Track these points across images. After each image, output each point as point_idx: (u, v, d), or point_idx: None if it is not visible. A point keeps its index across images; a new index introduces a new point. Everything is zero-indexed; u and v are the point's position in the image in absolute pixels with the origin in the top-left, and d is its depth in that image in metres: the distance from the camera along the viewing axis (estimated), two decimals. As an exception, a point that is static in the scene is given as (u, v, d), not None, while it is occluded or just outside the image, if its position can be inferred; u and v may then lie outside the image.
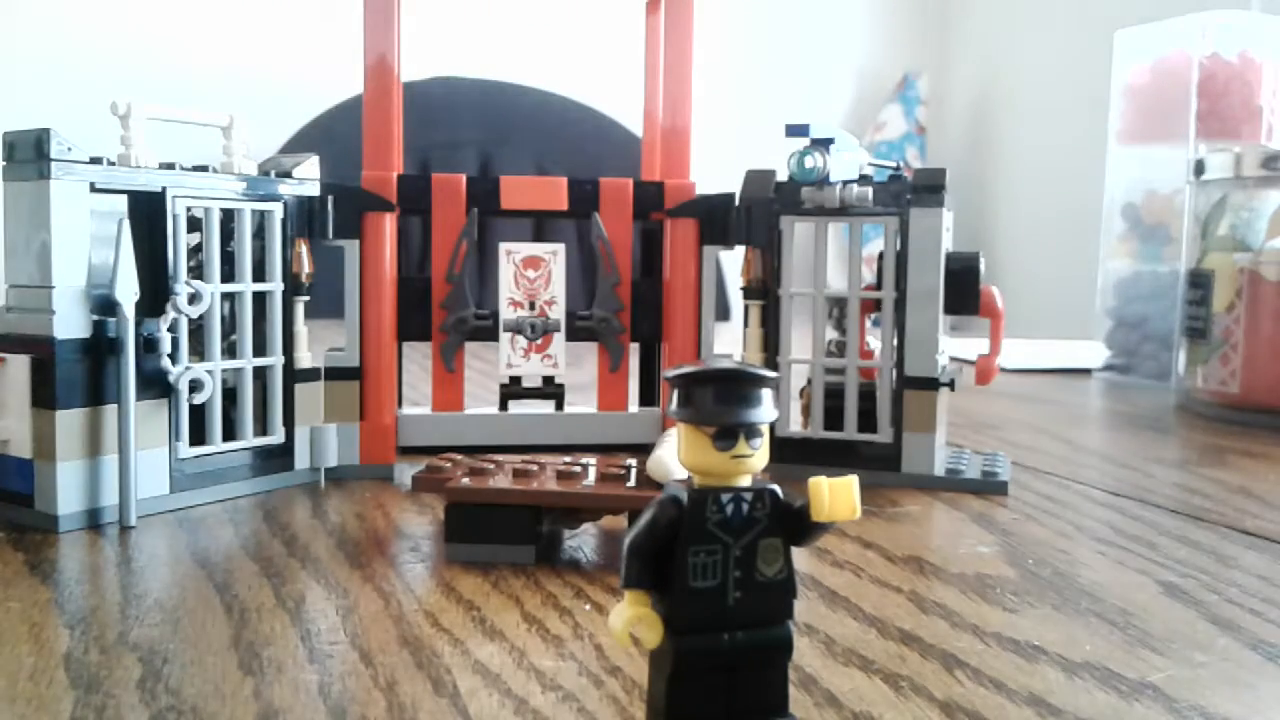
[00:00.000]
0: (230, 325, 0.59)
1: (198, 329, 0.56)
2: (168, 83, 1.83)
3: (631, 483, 0.48)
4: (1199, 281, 0.95)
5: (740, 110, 1.92)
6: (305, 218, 0.62)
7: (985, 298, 0.64)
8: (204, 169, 0.57)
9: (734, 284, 0.85)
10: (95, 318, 0.52)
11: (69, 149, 0.51)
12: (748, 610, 0.29)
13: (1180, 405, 0.99)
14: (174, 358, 0.55)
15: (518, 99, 1.93)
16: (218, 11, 1.95)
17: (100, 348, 0.52)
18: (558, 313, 0.69)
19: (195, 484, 0.57)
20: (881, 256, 0.63)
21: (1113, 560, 0.50)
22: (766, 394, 0.28)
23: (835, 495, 0.28)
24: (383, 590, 0.44)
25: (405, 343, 0.68)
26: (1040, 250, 2.06)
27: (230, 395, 0.59)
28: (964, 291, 0.63)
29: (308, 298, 0.62)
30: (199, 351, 0.57)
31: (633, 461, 0.51)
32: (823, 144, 0.64)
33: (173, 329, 0.55)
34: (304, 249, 0.62)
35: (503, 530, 0.47)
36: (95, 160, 0.52)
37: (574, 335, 0.70)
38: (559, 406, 0.71)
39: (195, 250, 0.57)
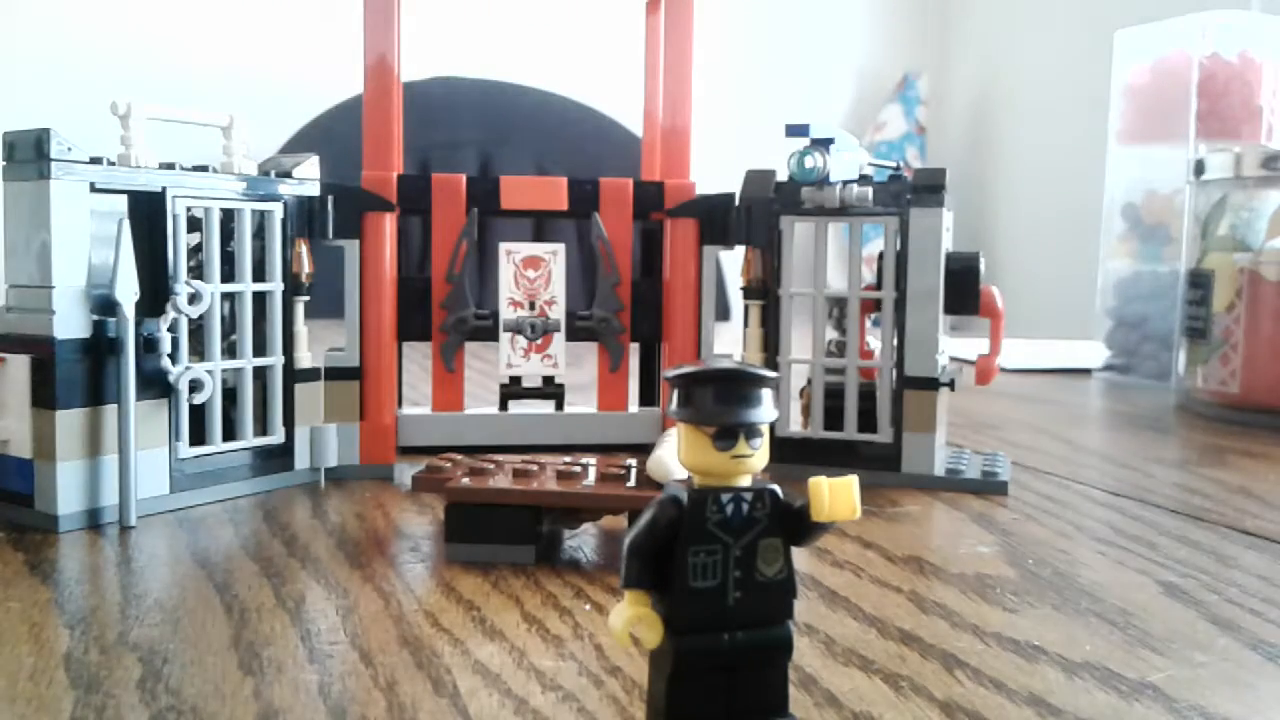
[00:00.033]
0: (230, 325, 0.59)
1: (198, 329, 0.56)
2: (168, 83, 1.83)
3: (631, 483, 0.48)
4: (1199, 281, 0.95)
5: (740, 110, 1.92)
6: (305, 218, 0.62)
7: (985, 298, 0.64)
8: (204, 169, 0.57)
9: (734, 284, 0.85)
10: (95, 318, 0.52)
11: (69, 149, 0.51)
12: (748, 610, 0.29)
13: (1180, 405, 0.99)
14: (174, 358, 0.55)
15: (518, 99, 1.93)
16: (218, 11, 1.95)
17: (100, 348, 0.52)
18: (558, 313, 0.69)
19: (195, 484, 0.57)
20: (881, 256, 0.63)
21: (1113, 560, 0.50)
22: (766, 394, 0.28)
23: (835, 495, 0.28)
24: (383, 590, 0.44)
25: (405, 343, 0.68)
26: (1040, 250, 2.06)
27: (230, 395, 0.59)
28: (964, 291, 0.63)
29: (308, 298, 0.62)
30: (199, 351, 0.57)
31: (633, 461, 0.51)
32: (823, 144, 0.64)
33: (173, 329, 0.55)
34: (304, 249, 0.62)
35: (503, 530, 0.47)
36: (95, 160, 0.52)
37: (574, 335, 0.70)
38: (559, 406, 0.71)
39: (195, 250, 0.57)
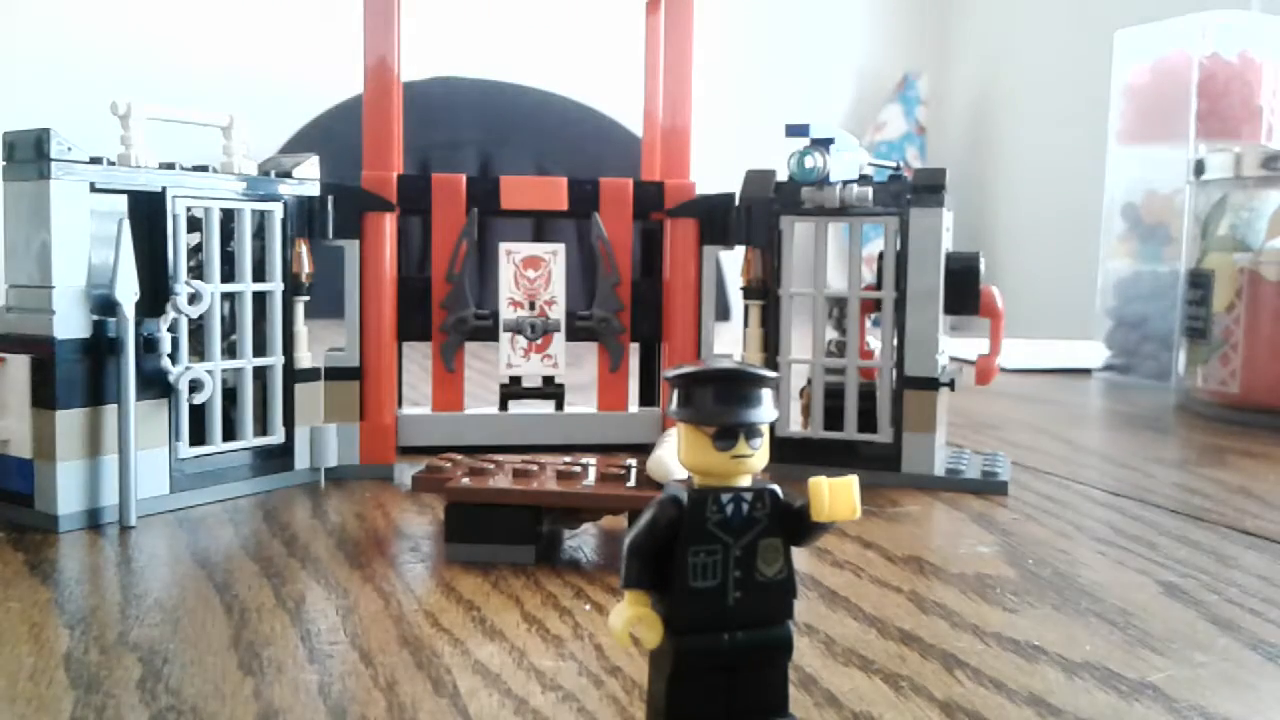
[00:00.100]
0: (230, 325, 0.59)
1: (198, 329, 0.56)
2: (168, 83, 1.83)
3: (631, 483, 0.48)
4: (1199, 281, 0.95)
5: (740, 110, 1.92)
6: (305, 218, 0.62)
7: (985, 298, 0.64)
8: (204, 169, 0.57)
9: (734, 284, 0.85)
10: (95, 318, 0.52)
11: (69, 149, 0.51)
12: (748, 610, 0.28)
13: (1180, 405, 0.99)
14: (174, 358, 0.55)
15: (518, 99, 1.93)
16: (218, 11, 1.95)
17: (100, 348, 0.52)
18: (558, 313, 0.69)
19: (195, 484, 0.57)
20: (881, 256, 0.63)
21: (1113, 560, 0.50)
22: (766, 394, 0.28)
23: (835, 495, 0.28)
24: (383, 590, 0.44)
25: (405, 343, 0.68)
26: (1040, 250, 2.06)
27: (230, 395, 0.59)
28: (964, 291, 0.63)
29: (308, 298, 0.62)
30: (199, 351, 0.57)
31: (633, 461, 0.51)
32: (823, 144, 0.64)
33: (173, 329, 0.55)
34: (304, 249, 0.62)
35: (503, 530, 0.47)
36: (95, 160, 0.52)
37: (574, 335, 0.70)
38: (559, 406, 0.71)
39: (195, 250, 0.57)
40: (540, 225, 1.35)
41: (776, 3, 2.30)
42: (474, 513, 0.47)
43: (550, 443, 0.69)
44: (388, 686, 0.35)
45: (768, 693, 0.29)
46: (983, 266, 0.63)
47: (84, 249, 0.52)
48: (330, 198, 0.63)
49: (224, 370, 0.58)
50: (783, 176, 0.65)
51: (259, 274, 0.59)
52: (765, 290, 0.66)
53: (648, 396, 0.74)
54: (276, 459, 0.61)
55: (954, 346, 0.73)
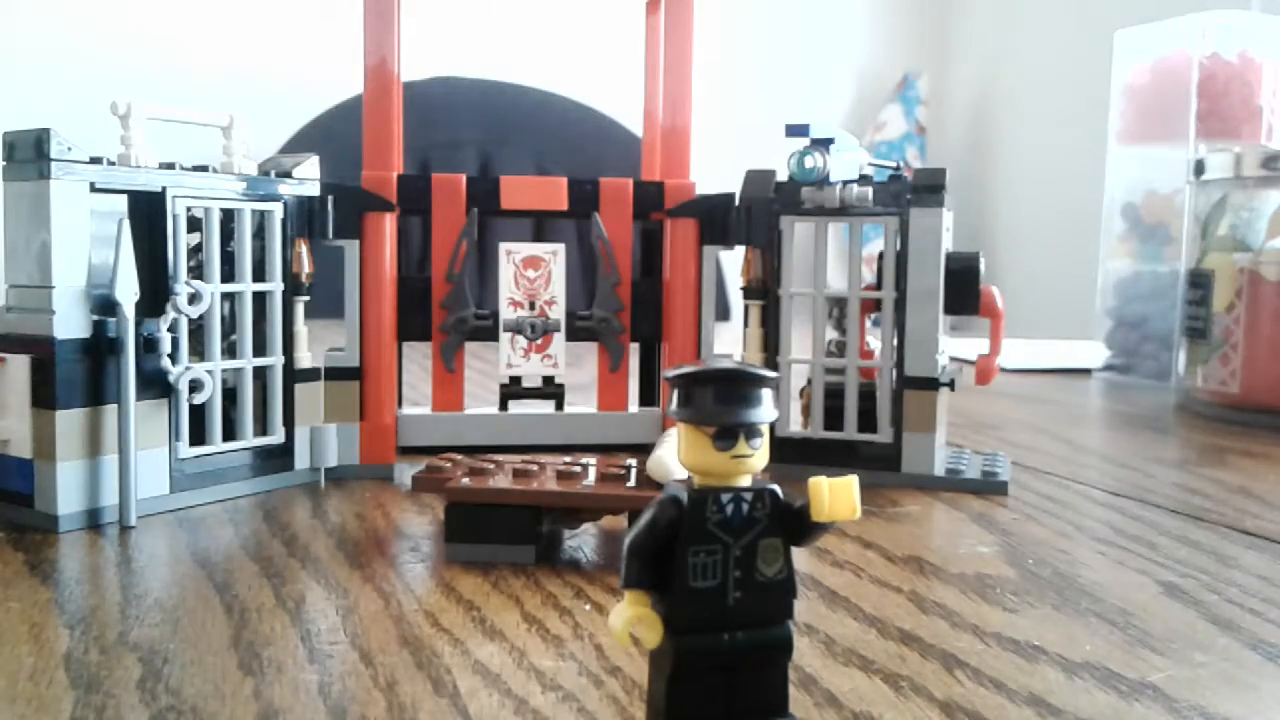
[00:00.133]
0: (230, 325, 0.59)
1: (198, 329, 0.56)
2: (168, 83, 1.83)
3: (631, 483, 0.48)
4: (1199, 281, 0.95)
5: (740, 110, 1.92)
6: (305, 218, 0.62)
7: (985, 298, 0.64)
8: (204, 169, 0.57)
9: (734, 284, 0.85)
10: (95, 318, 0.52)
11: (69, 149, 0.51)
12: (748, 610, 0.28)
13: (1180, 405, 0.99)
14: (174, 358, 0.55)
15: (518, 99, 1.93)
16: (218, 11, 1.95)
17: (100, 348, 0.52)
18: (558, 313, 0.69)
19: (195, 484, 0.57)
20: (881, 256, 0.63)
21: (1113, 560, 0.50)
22: (766, 394, 0.28)
23: (835, 495, 0.28)
24: (383, 590, 0.44)
25: (405, 343, 0.68)
26: (1040, 250, 2.06)
27: (230, 395, 0.59)
28: (964, 291, 0.63)
29: (308, 298, 0.62)
30: (199, 351, 0.57)
31: (633, 461, 0.51)
32: (823, 144, 0.64)
33: (173, 329, 0.55)
34: (304, 249, 0.62)
35: (503, 530, 0.47)
36: (95, 160, 0.52)
37: (574, 335, 0.70)
38: (559, 406, 0.71)
39: (195, 250, 0.57)
40: (540, 225, 1.35)
41: (776, 3, 2.30)
42: (474, 513, 0.47)
43: (550, 443, 0.69)
44: (388, 686, 0.35)
45: (768, 693, 0.29)
46: (983, 266, 0.63)
47: (84, 249, 0.52)
48: (330, 198, 0.63)
49: (224, 370, 0.58)
50: (783, 176, 0.65)
51: (259, 274, 0.59)
52: (765, 290, 0.66)
53: (648, 396, 0.74)
54: (276, 459, 0.61)
55: (954, 346, 0.73)
